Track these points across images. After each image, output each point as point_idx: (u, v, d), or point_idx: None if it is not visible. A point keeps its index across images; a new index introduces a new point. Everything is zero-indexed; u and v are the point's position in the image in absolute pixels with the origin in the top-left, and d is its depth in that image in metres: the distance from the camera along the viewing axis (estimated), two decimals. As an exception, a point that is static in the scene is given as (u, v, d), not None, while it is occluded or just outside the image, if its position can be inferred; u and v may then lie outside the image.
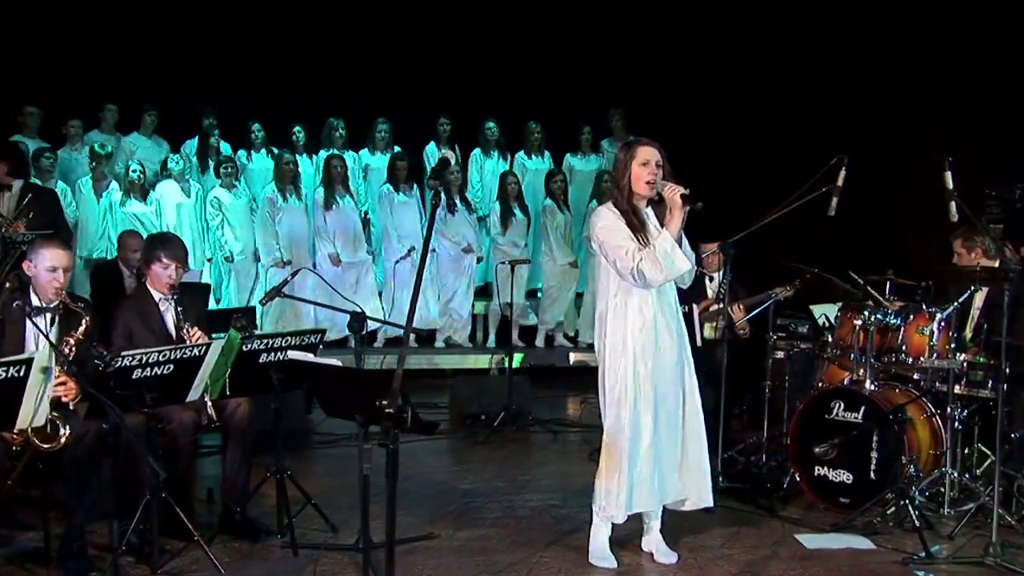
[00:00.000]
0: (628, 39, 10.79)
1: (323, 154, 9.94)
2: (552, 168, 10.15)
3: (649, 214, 4.44)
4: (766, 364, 6.10)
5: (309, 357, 4.23)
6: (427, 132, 10.41)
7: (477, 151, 10.48)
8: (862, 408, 5.30)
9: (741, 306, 6.70)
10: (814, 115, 9.39)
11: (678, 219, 4.24)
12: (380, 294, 9.80)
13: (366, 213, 10.02)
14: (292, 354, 4.30)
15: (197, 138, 10.10)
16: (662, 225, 4.34)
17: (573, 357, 9.60)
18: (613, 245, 4.31)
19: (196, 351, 4.51)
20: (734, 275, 7.24)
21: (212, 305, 9.00)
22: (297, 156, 9.85)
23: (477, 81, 10.64)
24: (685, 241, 4.37)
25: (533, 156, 10.42)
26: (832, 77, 9.49)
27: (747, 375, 6.67)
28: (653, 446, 4.35)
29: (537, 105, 10.60)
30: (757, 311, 6.30)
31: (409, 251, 9.63)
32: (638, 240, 4.29)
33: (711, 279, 7.39)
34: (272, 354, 4.75)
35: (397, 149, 10.06)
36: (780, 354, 6.56)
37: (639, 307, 4.36)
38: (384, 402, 3.23)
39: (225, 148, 10.11)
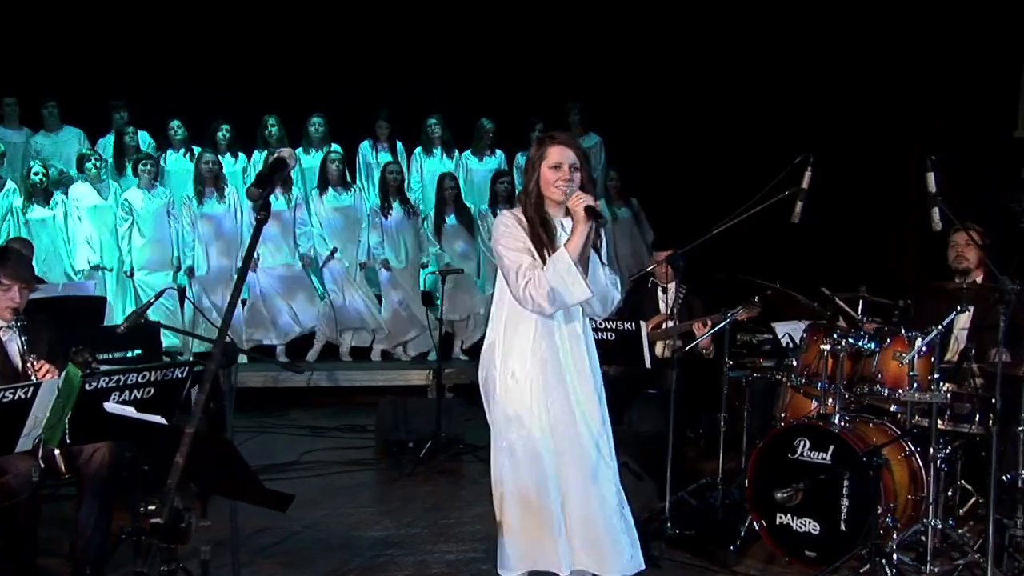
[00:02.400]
0: (586, 29, 10.01)
1: (258, 155, 9.19)
2: (501, 168, 9.38)
3: (564, 225, 3.67)
4: (720, 392, 5.34)
5: (128, 411, 3.40)
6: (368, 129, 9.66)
7: (419, 149, 9.69)
8: (830, 448, 4.55)
9: (708, 321, 5.97)
10: (782, 110, 8.73)
11: (579, 236, 3.48)
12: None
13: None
14: (109, 407, 3.46)
15: (112, 135, 9.27)
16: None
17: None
18: (506, 258, 3.57)
19: (23, 392, 3.70)
20: (689, 288, 6.60)
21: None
22: (220, 156, 9.10)
23: (422, 74, 9.85)
24: (599, 265, 3.62)
25: (485, 156, 9.63)
26: (799, 69, 8.83)
27: (707, 396, 5.96)
28: (548, 502, 3.60)
29: (490, 99, 9.81)
30: (711, 331, 5.54)
31: (332, 252, 8.86)
32: (541, 256, 3.55)
33: (664, 291, 6.65)
34: (125, 392, 3.93)
35: (335, 147, 9.29)
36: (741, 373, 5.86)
37: (534, 334, 3.62)
38: (150, 507, 2.41)
39: (143, 143, 9.31)
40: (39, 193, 8.33)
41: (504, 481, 3.69)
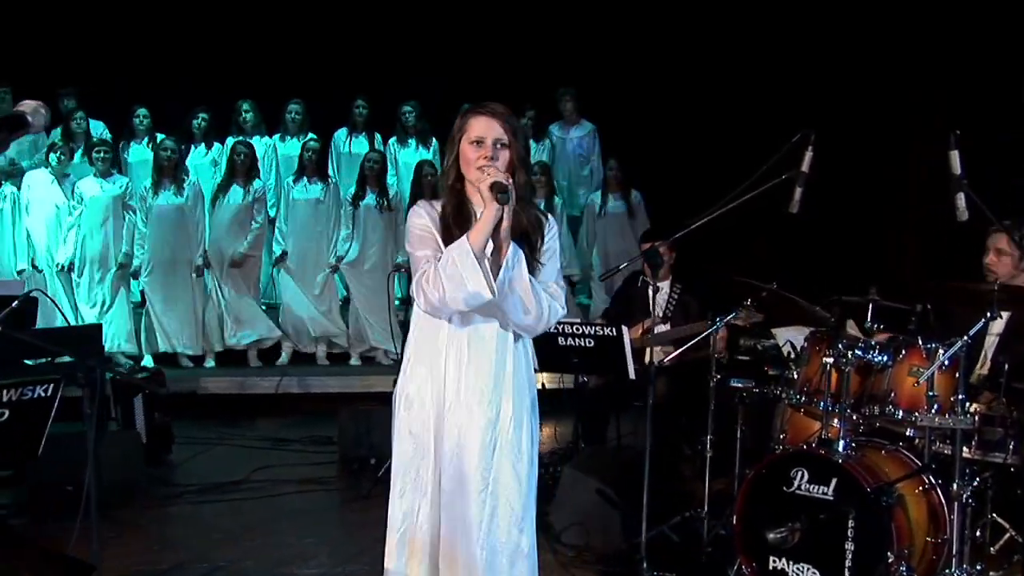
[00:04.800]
0: (578, 10, 9.30)
1: (230, 142, 8.53)
2: None
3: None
4: (707, 410, 4.60)
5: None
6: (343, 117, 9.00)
7: (393, 139, 9.02)
8: (832, 480, 3.79)
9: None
10: (781, 106, 8.05)
11: (484, 220, 2.78)
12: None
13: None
14: None
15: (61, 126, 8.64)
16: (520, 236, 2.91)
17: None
18: (410, 251, 2.94)
19: (42, 390, 3.15)
20: (685, 286, 5.89)
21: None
22: (194, 146, 8.61)
23: (405, 58, 9.17)
24: (520, 264, 2.84)
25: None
26: (805, 45, 8.21)
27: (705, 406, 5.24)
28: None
29: (477, 85, 9.07)
30: (693, 342, 4.79)
31: (283, 255, 8.24)
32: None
33: (657, 290, 5.93)
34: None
35: (312, 136, 8.65)
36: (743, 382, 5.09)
37: (435, 342, 2.94)
38: None
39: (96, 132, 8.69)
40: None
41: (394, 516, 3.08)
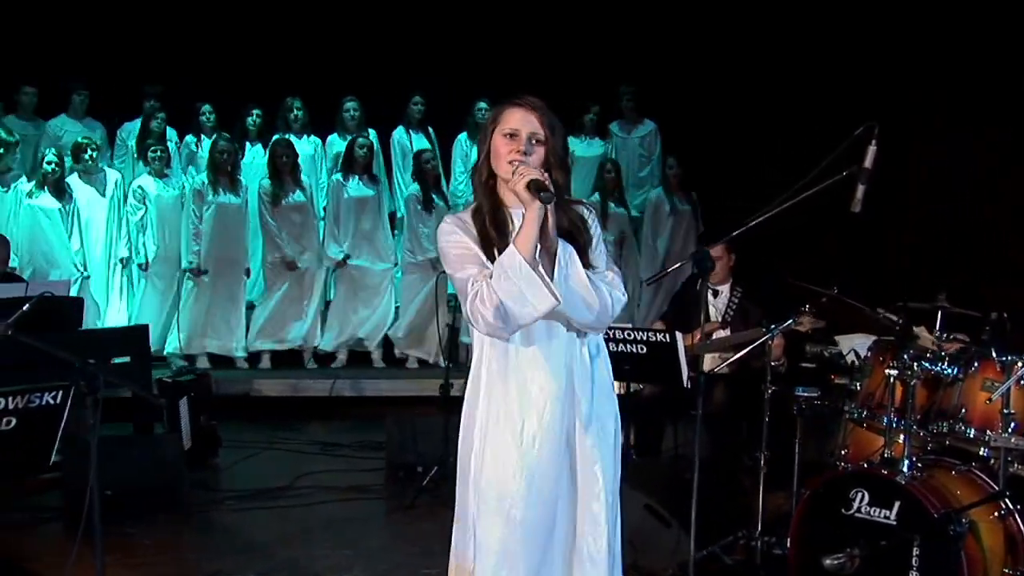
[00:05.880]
0: (639, 6, 9.02)
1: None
2: None
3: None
4: (762, 422, 4.29)
5: None
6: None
7: (463, 136, 8.80)
8: (896, 504, 3.49)
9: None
10: (852, 80, 7.81)
11: (530, 224, 2.51)
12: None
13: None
14: None
15: (140, 121, 8.64)
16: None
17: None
18: (456, 274, 2.65)
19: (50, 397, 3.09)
20: (745, 292, 5.59)
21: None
22: (248, 142, 8.51)
23: (462, 55, 8.98)
24: (572, 259, 2.60)
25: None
26: (872, 36, 7.86)
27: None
28: None
29: (538, 83, 8.83)
30: (744, 352, 4.48)
31: (344, 259, 8.08)
32: (493, 256, 2.61)
33: (716, 294, 5.65)
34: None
35: (371, 133, 8.52)
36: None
37: (498, 365, 2.68)
38: None
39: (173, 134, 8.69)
40: (50, 182, 7.72)
41: (464, 556, 2.76)
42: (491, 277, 2.55)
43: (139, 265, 8.00)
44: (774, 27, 8.40)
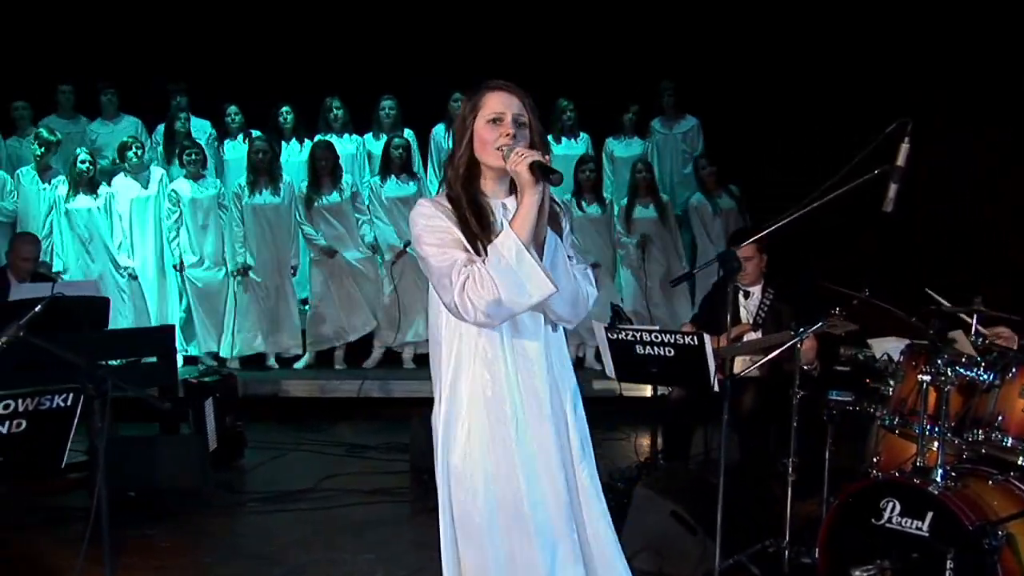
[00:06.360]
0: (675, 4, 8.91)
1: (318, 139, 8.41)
2: (586, 154, 8.32)
3: (508, 207, 2.61)
4: (791, 428, 4.16)
5: None
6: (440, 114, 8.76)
7: (440, 127, 8.79)
8: (928, 515, 3.35)
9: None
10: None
11: (528, 206, 2.45)
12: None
13: None
14: None
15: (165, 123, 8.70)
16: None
17: (596, 385, 7.72)
18: (432, 259, 2.53)
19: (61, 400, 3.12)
20: (777, 293, 5.45)
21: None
22: (284, 142, 8.48)
23: (501, 52, 8.89)
24: (559, 248, 2.55)
25: (563, 138, 8.59)
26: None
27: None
28: None
29: (572, 78, 8.76)
30: (772, 355, 4.34)
31: (405, 246, 7.99)
32: (475, 247, 2.52)
33: (747, 295, 5.52)
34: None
35: (408, 132, 8.47)
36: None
37: (480, 357, 2.60)
38: None
39: (202, 131, 8.68)
40: (84, 182, 7.76)
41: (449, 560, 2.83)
42: (484, 262, 2.46)
43: (174, 266, 8.01)
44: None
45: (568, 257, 2.60)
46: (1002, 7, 6.86)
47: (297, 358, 8.23)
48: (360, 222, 8.11)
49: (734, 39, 8.57)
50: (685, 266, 8.19)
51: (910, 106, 7.14)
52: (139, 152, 7.98)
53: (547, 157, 2.46)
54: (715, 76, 8.58)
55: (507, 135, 2.51)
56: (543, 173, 2.39)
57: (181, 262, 7.99)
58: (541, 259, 2.46)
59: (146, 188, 8.05)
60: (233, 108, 8.58)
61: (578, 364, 8.10)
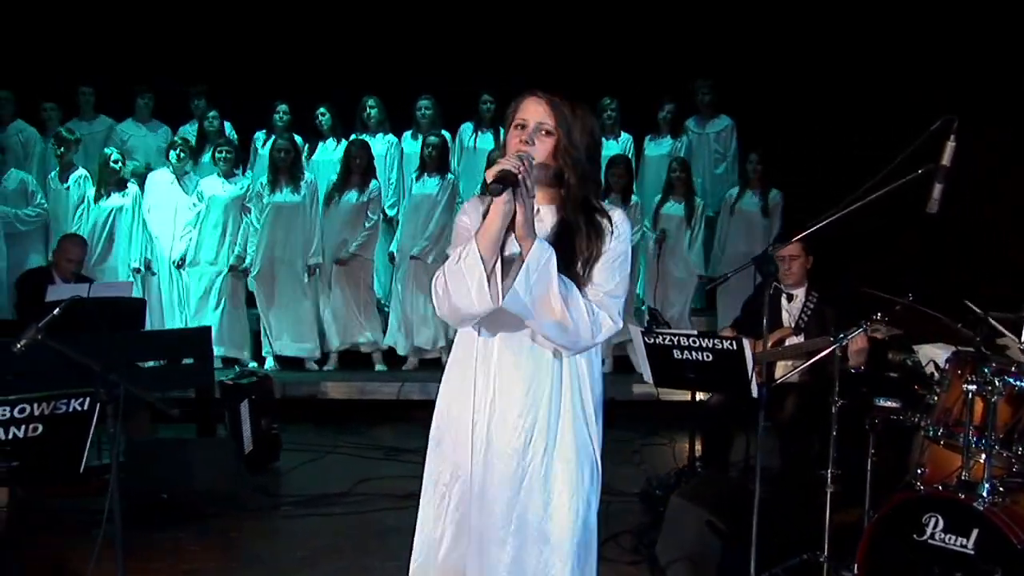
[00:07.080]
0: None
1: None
2: (617, 154, 8.18)
3: (543, 213, 2.58)
4: (830, 436, 4.00)
5: None
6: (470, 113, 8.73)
7: (467, 126, 8.75)
8: (973, 532, 3.19)
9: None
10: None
11: (491, 216, 2.40)
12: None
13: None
14: None
15: (196, 123, 8.75)
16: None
17: (636, 389, 7.57)
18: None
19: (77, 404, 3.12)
20: (821, 296, 5.28)
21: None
22: (322, 143, 8.55)
23: (534, 54, 8.81)
24: (544, 272, 2.41)
25: (603, 139, 8.45)
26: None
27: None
28: None
29: (611, 81, 8.64)
30: (813, 359, 4.18)
31: (425, 247, 7.99)
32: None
33: (790, 298, 5.36)
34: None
35: (434, 132, 8.42)
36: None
37: (469, 354, 2.64)
38: None
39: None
40: (113, 181, 7.82)
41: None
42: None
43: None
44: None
45: (586, 278, 2.51)
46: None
47: (324, 358, 8.20)
48: (367, 225, 8.05)
49: (767, 39, 8.47)
50: (698, 269, 8.07)
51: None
52: (182, 154, 8.01)
53: (521, 166, 2.35)
54: (751, 76, 8.46)
55: (522, 142, 2.47)
56: (499, 184, 2.32)
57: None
58: (512, 272, 2.39)
59: (186, 190, 8.08)
60: (283, 107, 8.53)
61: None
